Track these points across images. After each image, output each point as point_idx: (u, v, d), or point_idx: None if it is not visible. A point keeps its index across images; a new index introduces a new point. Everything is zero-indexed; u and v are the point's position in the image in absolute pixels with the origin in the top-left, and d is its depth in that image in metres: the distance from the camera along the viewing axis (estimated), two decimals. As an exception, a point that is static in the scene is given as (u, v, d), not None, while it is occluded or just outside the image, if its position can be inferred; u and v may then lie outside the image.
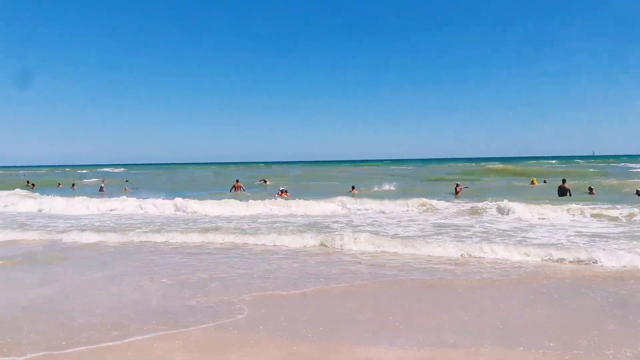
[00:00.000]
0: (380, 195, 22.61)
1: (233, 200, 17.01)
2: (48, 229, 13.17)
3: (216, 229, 12.43)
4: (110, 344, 4.68)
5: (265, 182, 34.75)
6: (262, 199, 20.38)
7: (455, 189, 23.77)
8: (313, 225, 12.82)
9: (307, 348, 4.54)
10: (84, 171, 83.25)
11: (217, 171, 73.78)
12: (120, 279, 7.58)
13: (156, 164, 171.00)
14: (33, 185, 38.53)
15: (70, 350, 4.49)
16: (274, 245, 10.21)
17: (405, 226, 12.45)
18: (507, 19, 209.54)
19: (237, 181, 26.79)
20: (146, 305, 6.02)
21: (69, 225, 13.94)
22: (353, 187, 25.46)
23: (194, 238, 10.94)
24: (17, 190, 25.79)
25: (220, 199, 18.23)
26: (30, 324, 5.34)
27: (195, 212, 15.95)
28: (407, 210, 15.28)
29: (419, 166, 79.59)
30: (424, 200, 15.93)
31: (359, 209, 15.57)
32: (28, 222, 14.75)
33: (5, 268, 8.67)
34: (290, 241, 10.27)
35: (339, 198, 16.79)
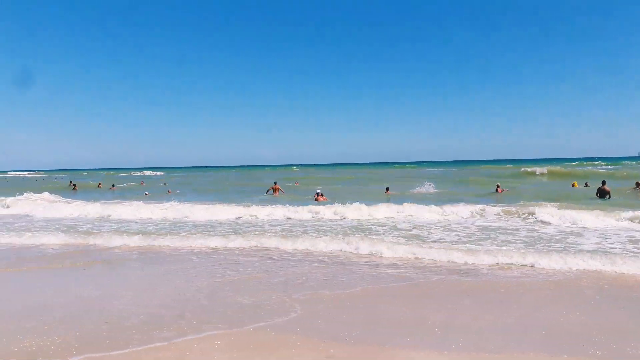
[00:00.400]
0: (418, 197, 22.41)
1: (278, 205, 16.98)
2: (94, 230, 13.64)
3: (263, 231, 12.63)
4: (153, 345, 4.84)
5: (295, 183, 35.59)
6: (299, 200, 20.51)
7: (497, 189, 23.87)
8: (357, 228, 12.89)
9: (344, 351, 4.57)
10: (122, 174, 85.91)
11: (250, 174, 74.82)
12: (167, 280, 7.81)
13: (189, 167, 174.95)
14: (75, 186, 40.18)
15: (112, 353, 4.61)
16: (319, 249, 10.24)
17: (451, 230, 12.33)
18: (546, 12, 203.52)
19: (275, 183, 27.33)
20: (192, 306, 6.18)
21: (116, 227, 14.41)
22: (387, 189, 25.47)
23: (242, 241, 11.07)
24: (46, 194, 26.61)
25: (263, 202, 18.47)
26: (76, 325, 5.56)
27: (242, 217, 16.07)
28: (453, 213, 14.89)
29: (455, 168, 78.33)
30: (470, 205, 15.53)
31: (402, 212, 15.29)
32: (74, 226, 15.26)
33: (55, 270, 9.04)
34: (335, 244, 10.31)
35: (384, 204, 16.39)
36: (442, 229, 12.55)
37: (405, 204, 16.05)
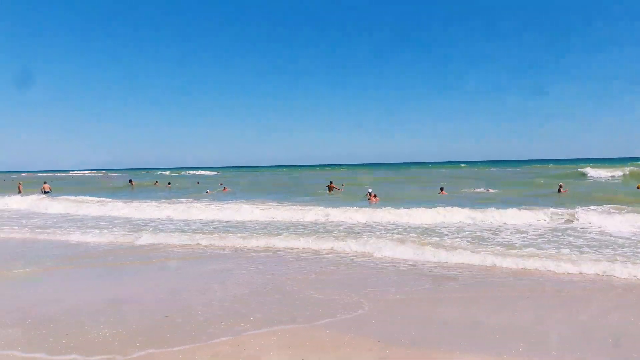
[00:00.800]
0: (475, 197, 22.00)
1: (339, 206, 16.62)
2: (156, 230, 14.00)
3: (326, 232, 12.59)
4: (216, 340, 5.03)
5: (342, 185, 35.82)
6: (351, 200, 20.58)
7: (559, 189, 23.44)
8: (418, 229, 12.63)
9: (399, 353, 4.59)
10: (175, 174, 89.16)
11: (300, 173, 75.46)
12: (228, 277, 8.07)
13: (238, 167, 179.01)
14: (132, 183, 42.39)
15: (174, 349, 4.79)
16: (377, 248, 10.14)
17: (517, 233, 11.92)
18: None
19: (331, 182, 29.16)
20: (251, 303, 6.37)
21: (179, 227, 14.65)
22: (442, 189, 25.04)
23: (303, 242, 11.10)
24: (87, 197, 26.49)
25: (321, 201, 18.43)
26: (140, 319, 5.89)
27: (301, 218, 15.79)
28: (517, 215, 14.08)
29: (510, 167, 75.74)
30: (534, 208, 14.72)
31: (470, 216, 14.42)
32: (138, 225, 15.86)
33: (119, 267, 9.55)
34: (393, 246, 10.16)
35: (447, 208, 15.31)
36: (510, 232, 12.07)
37: (466, 208, 15.17)
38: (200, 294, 6.94)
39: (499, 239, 11.08)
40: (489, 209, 14.83)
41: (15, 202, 24.19)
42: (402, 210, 15.35)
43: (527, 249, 9.68)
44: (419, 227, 13.18)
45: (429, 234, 11.84)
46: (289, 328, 5.30)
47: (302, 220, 15.51)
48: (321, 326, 5.34)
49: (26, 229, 14.87)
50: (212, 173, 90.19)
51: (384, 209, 15.92)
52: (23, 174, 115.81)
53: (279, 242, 11.22)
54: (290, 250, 10.51)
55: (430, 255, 9.36)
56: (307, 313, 5.85)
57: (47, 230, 14.29)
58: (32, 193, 30.86)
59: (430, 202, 18.12)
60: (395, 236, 11.39)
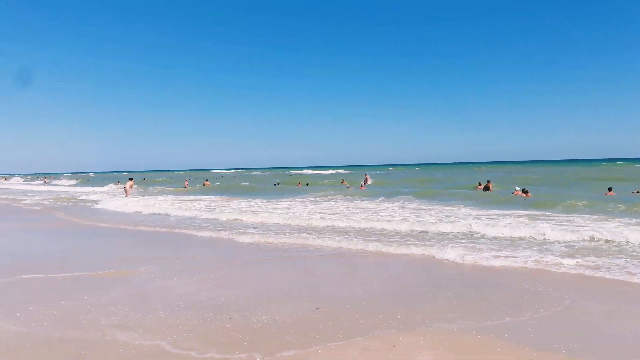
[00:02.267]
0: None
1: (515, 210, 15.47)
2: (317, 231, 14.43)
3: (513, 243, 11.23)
4: (364, 336, 5.25)
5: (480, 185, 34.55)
6: (497, 200, 19.90)
7: None
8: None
9: (560, 364, 4.34)
10: (299, 171, 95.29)
11: (436, 172, 73.73)
12: (380, 275, 8.26)
13: (369, 165, 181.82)
14: (277, 184, 46.19)
15: (323, 346, 5.03)
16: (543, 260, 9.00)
17: None
18: None
19: (489, 182, 29.69)
20: (400, 300, 6.52)
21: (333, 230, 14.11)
22: (610, 189, 23.47)
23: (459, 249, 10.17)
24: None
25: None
26: (294, 308, 6.28)
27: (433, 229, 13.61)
28: None
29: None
30: None
31: None
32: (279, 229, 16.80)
33: (281, 261, 10.22)
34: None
35: None
36: None
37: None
38: (353, 288, 7.24)
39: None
40: None
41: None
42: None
43: None
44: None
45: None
46: (438, 329, 5.33)
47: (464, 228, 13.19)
48: (472, 330, 5.28)
49: (206, 226, 15.84)
50: (345, 171, 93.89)
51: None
52: (176, 172, 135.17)
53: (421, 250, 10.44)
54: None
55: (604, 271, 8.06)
56: (458, 315, 5.80)
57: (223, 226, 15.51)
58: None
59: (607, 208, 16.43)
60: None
